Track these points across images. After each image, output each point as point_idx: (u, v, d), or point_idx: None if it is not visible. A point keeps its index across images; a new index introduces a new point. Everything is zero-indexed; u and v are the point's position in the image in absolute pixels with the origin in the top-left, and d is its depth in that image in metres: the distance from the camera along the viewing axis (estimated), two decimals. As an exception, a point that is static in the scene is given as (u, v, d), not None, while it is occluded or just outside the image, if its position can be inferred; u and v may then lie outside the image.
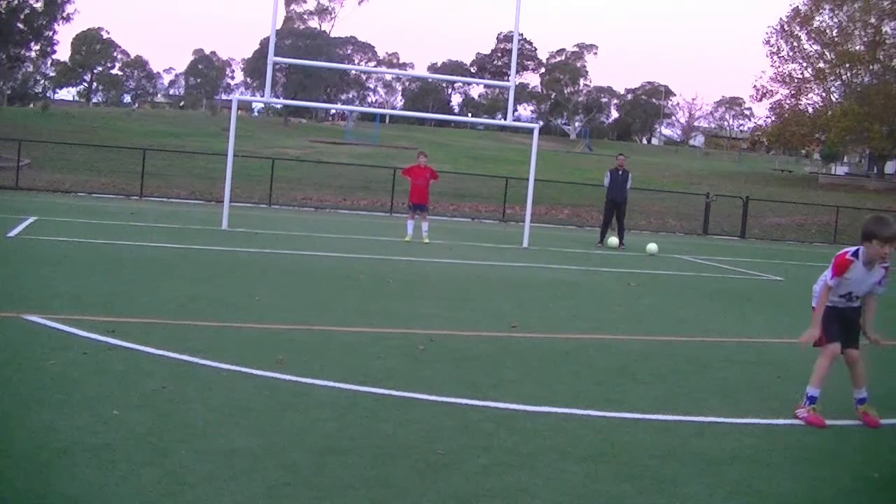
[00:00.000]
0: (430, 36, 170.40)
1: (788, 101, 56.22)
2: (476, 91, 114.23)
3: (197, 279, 10.04)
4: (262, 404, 5.24)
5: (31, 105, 79.94)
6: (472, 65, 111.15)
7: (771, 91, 56.48)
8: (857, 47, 53.28)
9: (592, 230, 23.16)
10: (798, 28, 55.18)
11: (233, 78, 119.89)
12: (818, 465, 4.91)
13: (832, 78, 54.96)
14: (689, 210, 30.73)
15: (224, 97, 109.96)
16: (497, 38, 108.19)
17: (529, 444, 4.85)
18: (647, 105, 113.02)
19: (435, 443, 4.74)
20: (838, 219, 28.66)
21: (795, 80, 55.88)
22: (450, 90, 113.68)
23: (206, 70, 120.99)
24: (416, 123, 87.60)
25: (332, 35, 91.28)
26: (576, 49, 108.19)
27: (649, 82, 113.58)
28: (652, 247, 18.05)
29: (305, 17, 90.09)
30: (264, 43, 67.49)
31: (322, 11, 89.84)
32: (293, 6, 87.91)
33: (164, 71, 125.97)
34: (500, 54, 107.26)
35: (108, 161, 31.42)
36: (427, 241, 16.39)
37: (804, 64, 55.89)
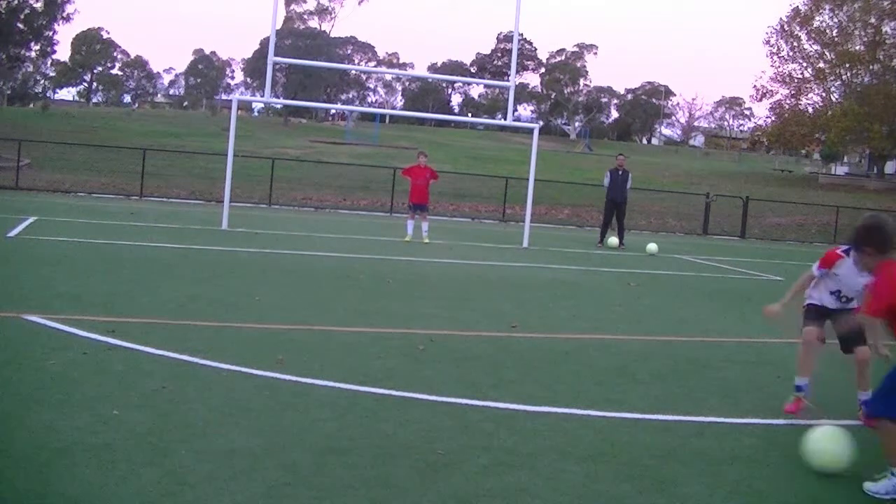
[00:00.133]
0: (430, 36, 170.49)
1: (788, 101, 56.20)
2: (476, 91, 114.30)
3: (197, 279, 10.04)
4: (262, 404, 5.24)
5: (31, 105, 79.92)
6: (472, 65, 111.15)
7: (771, 91, 56.48)
8: (857, 47, 53.26)
9: (592, 230, 23.16)
10: (798, 28, 55.16)
11: (233, 78, 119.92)
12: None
13: (832, 78, 54.94)
14: (689, 210, 30.73)
15: (224, 97, 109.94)
16: (497, 38, 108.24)
17: (529, 444, 4.85)
18: (647, 105, 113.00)
19: (435, 443, 4.74)
20: (838, 219, 28.65)
21: (795, 80, 55.86)
22: (450, 90, 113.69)
23: (206, 70, 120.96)
24: (416, 123, 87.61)
25: (332, 35, 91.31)
26: (576, 49, 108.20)
27: (649, 82, 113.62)
28: (652, 247, 18.05)
29: (305, 17, 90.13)
30: (264, 43, 67.50)
31: (322, 11, 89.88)
32: (293, 6, 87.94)
33: (164, 71, 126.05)
34: (500, 54, 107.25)
35: (108, 161, 31.41)
36: (427, 241, 16.39)
37: (804, 64, 55.88)
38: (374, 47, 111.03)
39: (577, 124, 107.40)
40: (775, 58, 56.16)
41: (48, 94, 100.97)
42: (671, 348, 8.01)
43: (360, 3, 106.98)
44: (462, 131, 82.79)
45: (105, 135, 44.67)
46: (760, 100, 57.54)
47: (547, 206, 28.40)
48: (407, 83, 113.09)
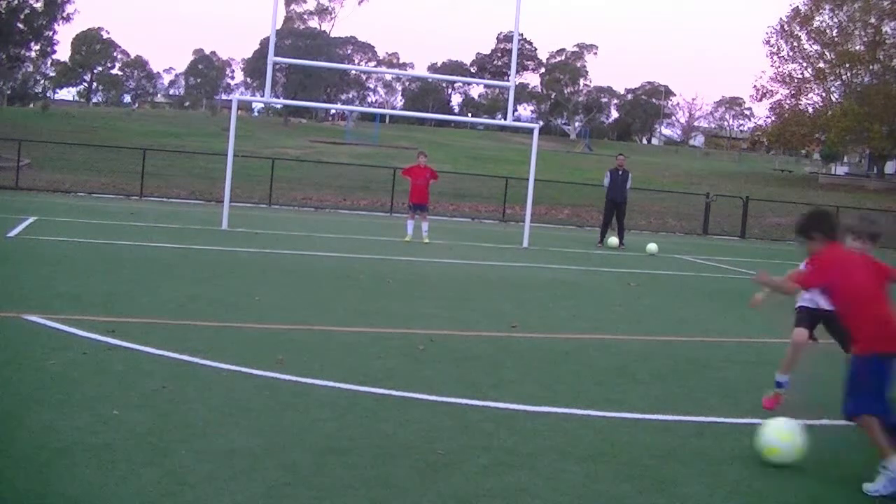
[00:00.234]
0: (430, 36, 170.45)
1: (788, 101, 56.22)
2: (476, 91, 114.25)
3: (197, 279, 10.04)
4: (262, 404, 5.24)
5: (31, 105, 79.90)
6: (472, 65, 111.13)
7: (771, 91, 56.52)
8: (857, 47, 53.28)
9: (592, 230, 23.16)
10: (798, 28, 55.19)
11: (233, 78, 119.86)
12: (818, 465, 4.90)
13: (832, 78, 54.96)
14: (689, 210, 30.72)
15: (224, 97, 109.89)
16: (497, 38, 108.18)
17: (529, 444, 4.85)
18: (647, 105, 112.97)
19: (435, 443, 4.74)
20: (838, 219, 28.62)
21: (795, 80, 55.88)
22: (450, 90, 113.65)
23: (206, 70, 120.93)
24: (416, 123, 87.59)
25: (332, 35, 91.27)
26: (576, 49, 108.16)
27: (649, 82, 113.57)
28: (652, 247, 18.05)
29: (305, 17, 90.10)
30: (264, 43, 67.49)
31: (322, 11, 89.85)
32: (293, 6, 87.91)
33: (164, 71, 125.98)
34: (500, 54, 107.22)
35: (108, 161, 31.41)
36: (427, 241, 16.39)
37: (804, 64, 55.90)
38: (374, 47, 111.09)
39: (577, 124, 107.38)
40: (775, 58, 56.22)
41: (48, 94, 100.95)
42: (671, 348, 8.01)
43: (360, 3, 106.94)
44: (462, 131, 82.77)
45: (105, 135, 44.67)
46: (760, 100, 57.61)
47: (547, 206, 28.40)
48: (407, 83, 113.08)
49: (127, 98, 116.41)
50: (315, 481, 4.06)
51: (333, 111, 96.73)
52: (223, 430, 4.69)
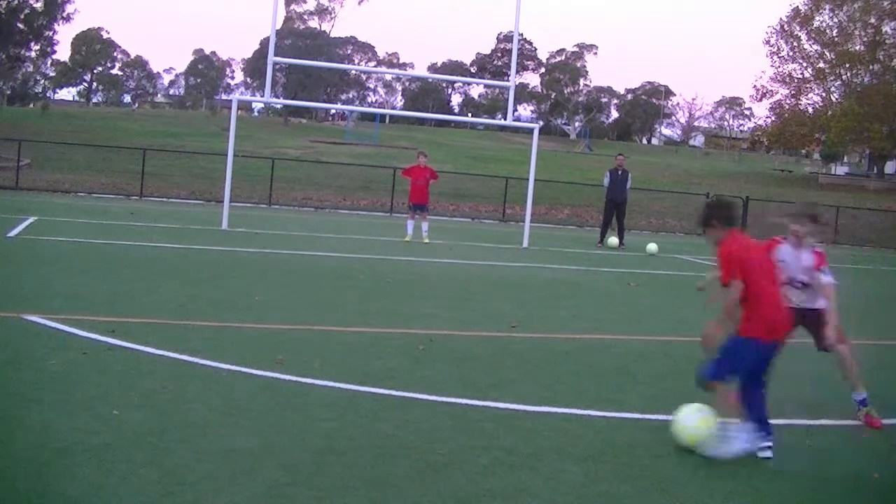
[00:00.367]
0: (430, 36, 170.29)
1: (788, 101, 56.24)
2: (476, 91, 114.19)
3: (197, 279, 10.04)
4: (262, 404, 5.24)
5: (31, 105, 79.87)
6: (472, 65, 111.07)
7: (771, 91, 56.55)
8: (857, 47, 53.29)
9: (592, 230, 23.16)
10: (798, 28, 55.20)
11: (233, 78, 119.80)
12: (818, 465, 4.91)
13: (832, 78, 54.98)
14: (689, 210, 30.66)
15: (224, 97, 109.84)
16: (497, 38, 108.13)
17: (529, 444, 4.85)
18: (647, 105, 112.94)
19: (435, 443, 4.75)
20: (838, 219, 28.65)
21: (795, 80, 55.89)
22: (450, 90, 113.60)
23: (206, 70, 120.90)
24: (416, 123, 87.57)
25: (332, 35, 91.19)
26: (576, 49, 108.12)
27: (649, 82, 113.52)
28: (652, 247, 18.05)
29: (305, 17, 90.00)
30: (264, 43, 67.48)
31: (322, 11, 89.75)
32: (293, 6, 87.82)
33: (164, 71, 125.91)
34: (500, 54, 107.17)
35: (108, 161, 31.40)
36: (427, 241, 16.39)
37: (804, 64, 55.92)
38: (374, 47, 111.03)
39: (577, 124, 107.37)
40: (775, 58, 56.25)
41: (48, 94, 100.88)
42: (671, 348, 8.01)
43: (360, 3, 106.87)
44: (462, 131, 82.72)
45: (105, 135, 44.65)
46: (760, 100, 57.65)
47: (547, 206, 28.39)
48: (407, 83, 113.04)
49: (127, 98, 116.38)
50: (315, 481, 4.06)
51: (333, 111, 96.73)
52: (223, 430, 4.69)
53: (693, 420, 4.97)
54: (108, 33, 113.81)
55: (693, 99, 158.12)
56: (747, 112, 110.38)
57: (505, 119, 31.18)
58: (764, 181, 51.55)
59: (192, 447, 4.39)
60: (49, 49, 57.88)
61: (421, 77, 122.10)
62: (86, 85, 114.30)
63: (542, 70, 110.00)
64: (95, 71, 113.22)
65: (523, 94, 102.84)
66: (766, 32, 62.35)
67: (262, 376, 5.87)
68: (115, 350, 6.30)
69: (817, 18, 54.30)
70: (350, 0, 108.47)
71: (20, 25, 50.61)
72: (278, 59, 19.37)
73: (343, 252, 14.13)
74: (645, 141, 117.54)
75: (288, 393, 5.54)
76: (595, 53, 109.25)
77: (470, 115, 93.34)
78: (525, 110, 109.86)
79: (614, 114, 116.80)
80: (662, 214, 30.50)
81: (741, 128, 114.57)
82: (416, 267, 12.90)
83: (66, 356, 6.02)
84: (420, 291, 10.52)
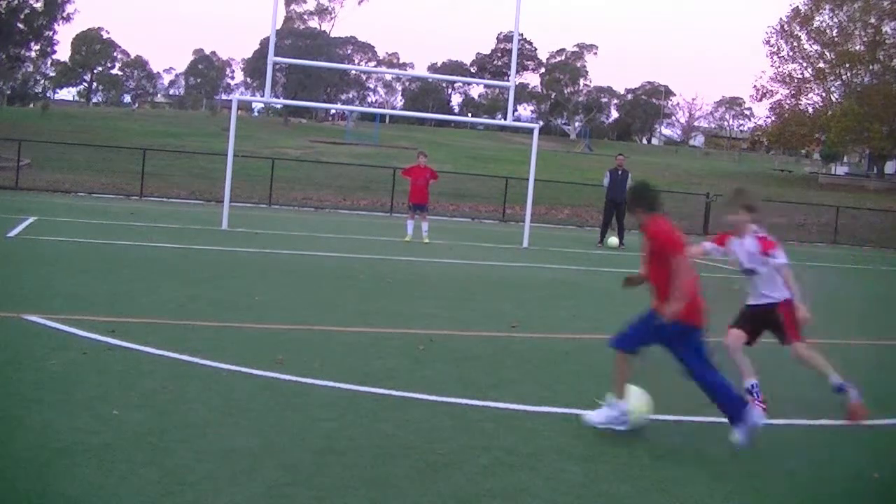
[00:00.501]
0: (430, 36, 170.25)
1: (788, 101, 56.23)
2: (476, 91, 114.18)
3: (197, 279, 10.04)
4: (262, 404, 5.24)
5: (31, 105, 79.87)
6: (472, 65, 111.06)
7: (771, 91, 56.54)
8: (857, 47, 53.28)
9: (592, 230, 23.16)
10: (798, 28, 55.19)
11: (233, 78, 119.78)
12: (818, 465, 4.91)
13: (832, 78, 54.97)
14: (689, 210, 30.70)
15: (224, 97, 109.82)
16: (497, 38, 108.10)
17: (529, 444, 4.85)
18: (647, 105, 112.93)
19: (435, 443, 4.75)
20: (838, 219, 28.65)
21: (795, 80, 55.88)
22: (450, 90, 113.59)
23: (206, 70, 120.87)
24: (416, 123, 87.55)
25: (332, 35, 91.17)
26: (576, 49, 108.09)
27: (649, 82, 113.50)
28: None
29: (305, 17, 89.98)
30: (264, 43, 67.44)
31: (322, 11, 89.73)
32: (293, 6, 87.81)
33: (164, 71, 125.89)
34: (500, 54, 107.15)
35: (108, 161, 31.41)
36: (427, 241, 16.39)
37: (804, 64, 55.91)
38: (374, 47, 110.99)
39: (577, 124, 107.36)
40: (775, 58, 56.23)
41: (48, 94, 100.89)
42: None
43: (360, 3, 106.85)
44: (462, 131, 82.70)
45: (105, 135, 44.64)
46: (760, 100, 57.64)
47: (547, 206, 28.39)
48: (407, 83, 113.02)
49: (127, 98, 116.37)
50: (315, 481, 4.06)
51: (333, 111, 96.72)
52: (223, 430, 4.69)
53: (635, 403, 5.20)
54: (108, 33, 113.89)
55: (693, 99, 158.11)
56: (747, 112, 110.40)
57: (505, 119, 31.18)
58: (764, 181, 51.52)
59: (192, 447, 4.39)
60: (49, 49, 57.93)
61: (421, 77, 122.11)
62: (86, 85, 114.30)
63: (542, 70, 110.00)
64: (95, 71, 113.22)
65: (523, 94, 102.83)
66: (766, 32, 62.36)
67: (262, 376, 5.87)
68: (115, 350, 6.30)
69: (817, 18, 54.31)
70: (350, 0, 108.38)
71: (20, 25, 50.63)
72: (278, 59, 19.37)
73: (343, 252, 14.13)
74: (645, 141, 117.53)
75: (288, 393, 5.54)
76: (595, 53, 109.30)
77: (470, 115, 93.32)
78: (525, 110, 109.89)
79: (614, 114, 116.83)
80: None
81: (741, 128, 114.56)
82: (416, 267, 12.90)
83: (66, 356, 6.02)
84: (420, 291, 10.52)
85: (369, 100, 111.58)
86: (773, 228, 6.14)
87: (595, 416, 5.08)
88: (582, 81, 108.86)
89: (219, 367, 6.02)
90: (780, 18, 61.06)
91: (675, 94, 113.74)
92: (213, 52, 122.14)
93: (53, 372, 5.59)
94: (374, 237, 17.14)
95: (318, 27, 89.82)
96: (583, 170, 46.09)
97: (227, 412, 5.03)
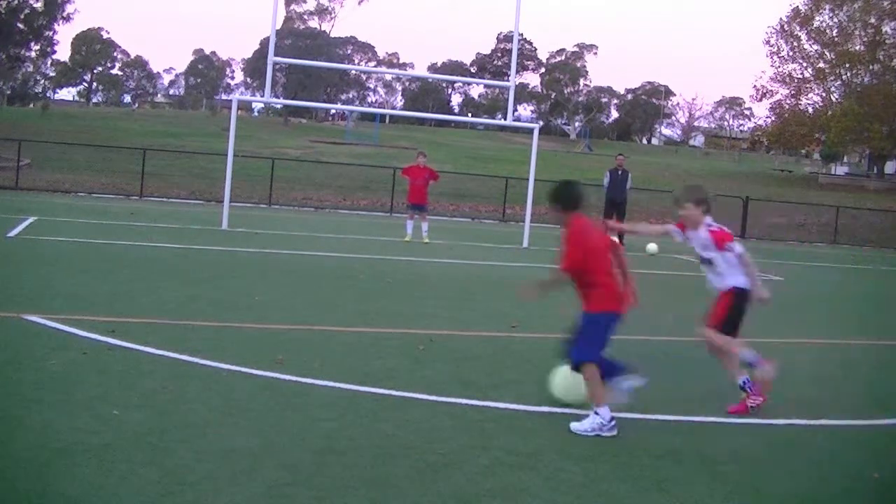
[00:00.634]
0: (430, 36, 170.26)
1: (788, 101, 56.20)
2: (476, 91, 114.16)
3: (197, 279, 10.04)
4: (262, 404, 5.24)
5: (31, 105, 79.87)
6: (472, 65, 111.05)
7: (771, 91, 56.49)
8: (857, 47, 53.26)
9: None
10: (798, 28, 55.15)
11: (233, 78, 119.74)
12: (818, 465, 4.91)
13: (832, 78, 54.94)
14: (689, 210, 30.68)
15: (224, 97, 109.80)
16: (497, 38, 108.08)
17: (529, 444, 4.85)
18: (647, 105, 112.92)
19: (435, 443, 4.74)
20: (838, 219, 28.65)
21: (795, 80, 55.85)
22: (450, 90, 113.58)
23: (206, 70, 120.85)
24: (416, 123, 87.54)
25: (332, 35, 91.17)
26: (576, 49, 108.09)
27: (649, 82, 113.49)
28: (652, 247, 18.03)
29: (305, 17, 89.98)
30: (264, 43, 67.43)
31: (322, 11, 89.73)
32: (293, 6, 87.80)
33: (164, 71, 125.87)
34: (500, 54, 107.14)
35: (108, 161, 31.41)
36: (427, 241, 16.39)
37: (804, 64, 55.88)
38: (374, 47, 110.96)
39: (577, 124, 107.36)
40: (775, 58, 56.18)
41: (48, 94, 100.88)
42: (671, 348, 8.01)
43: (360, 3, 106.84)
44: (462, 131, 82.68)
45: (105, 135, 44.64)
46: (760, 100, 57.59)
47: (547, 206, 28.35)
48: (407, 83, 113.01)
49: (127, 98, 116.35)
50: (315, 481, 4.06)
51: (333, 111, 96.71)
52: (223, 430, 4.69)
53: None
54: (108, 33, 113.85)
55: (693, 99, 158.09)
56: (747, 112, 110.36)
57: (505, 119, 31.19)
58: (764, 181, 51.52)
59: (192, 447, 4.39)
60: (49, 49, 57.94)
61: (421, 77, 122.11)
62: (86, 85, 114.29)
63: (542, 70, 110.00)
64: (95, 71, 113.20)
65: (523, 94, 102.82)
66: (766, 32, 62.33)
67: (262, 376, 5.87)
68: (115, 350, 6.30)
69: (817, 18, 54.27)
70: (350, 0, 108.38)
71: (20, 25, 50.64)
72: (278, 59, 19.37)
73: (343, 252, 14.13)
74: (645, 141, 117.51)
75: (288, 393, 5.54)
76: (595, 53, 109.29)
77: (470, 115, 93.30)
78: (525, 110, 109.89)
79: (614, 114, 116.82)
80: (662, 214, 30.48)
81: (741, 128, 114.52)
82: (416, 267, 12.90)
83: (66, 356, 6.02)
84: (420, 291, 10.52)
85: (369, 100, 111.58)
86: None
87: (580, 425, 5.11)
88: (582, 81, 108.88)
89: (219, 367, 6.02)
90: (780, 18, 61.05)
91: (675, 94, 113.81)
92: (213, 52, 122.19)
93: (53, 372, 5.59)
94: (374, 237, 17.14)
95: (318, 27, 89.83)
96: (583, 170, 46.05)
97: (227, 412, 5.02)
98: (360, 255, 13.86)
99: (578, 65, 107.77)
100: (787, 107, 55.78)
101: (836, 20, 54.12)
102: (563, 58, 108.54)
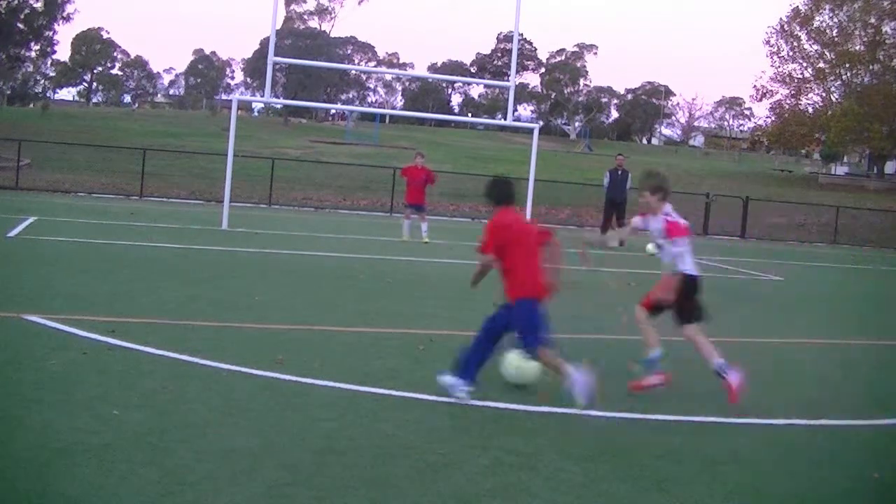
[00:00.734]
0: (430, 36, 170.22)
1: (788, 101, 56.18)
2: (476, 91, 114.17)
3: (197, 279, 10.04)
4: (262, 404, 5.24)
5: (31, 105, 79.86)
6: (472, 65, 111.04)
7: (771, 91, 56.46)
8: (857, 47, 53.25)
9: (592, 230, 23.14)
10: (798, 28, 55.14)
11: (233, 78, 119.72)
12: (818, 465, 4.91)
13: (832, 78, 54.93)
14: (690, 210, 30.67)
15: (224, 97, 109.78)
16: (497, 38, 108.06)
17: (529, 444, 4.85)
18: (647, 105, 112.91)
19: (435, 443, 4.75)
20: (838, 219, 28.65)
21: (795, 80, 55.83)
22: (450, 90, 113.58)
23: (206, 70, 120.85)
24: (416, 123, 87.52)
25: (332, 35, 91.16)
26: (576, 49, 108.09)
27: (649, 82, 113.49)
28: (652, 247, 18.01)
29: (305, 17, 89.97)
30: (264, 43, 67.41)
31: (322, 11, 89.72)
32: (293, 6, 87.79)
33: (164, 71, 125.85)
34: (500, 54, 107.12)
35: (108, 161, 31.40)
36: (427, 240, 16.38)
37: (804, 64, 55.86)
38: (374, 47, 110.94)
39: (577, 124, 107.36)
40: (775, 58, 56.16)
41: (48, 94, 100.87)
42: (671, 348, 7.99)
43: (360, 3, 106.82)
44: (462, 131, 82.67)
45: (105, 135, 44.63)
46: (760, 100, 57.56)
47: (547, 207, 28.37)
48: (407, 83, 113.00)
49: (127, 98, 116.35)
50: (315, 481, 4.06)
51: (333, 111, 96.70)
52: (223, 430, 4.69)
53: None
54: (108, 33, 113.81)
55: (693, 99, 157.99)
56: (747, 112, 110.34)
57: (505, 119, 31.19)
58: (764, 181, 51.52)
59: (192, 447, 4.39)
60: (49, 49, 57.93)
61: (421, 77, 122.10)
62: (86, 85, 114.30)
63: (542, 70, 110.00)
64: (95, 71, 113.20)
65: (523, 94, 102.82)
66: (766, 32, 62.27)
67: (262, 376, 5.87)
68: (115, 350, 6.30)
69: (817, 18, 54.25)
70: (350, 0, 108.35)
71: (20, 25, 50.63)
72: (278, 59, 19.38)
73: (343, 252, 14.13)
74: (645, 141, 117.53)
75: (288, 393, 5.54)
76: (595, 53, 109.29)
77: (470, 115, 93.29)
78: (525, 110, 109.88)
79: (614, 114, 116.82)
80: (662, 214, 30.47)
81: (741, 128, 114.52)
82: (416, 267, 12.90)
83: (66, 356, 6.02)
84: (420, 291, 10.52)
85: (369, 100, 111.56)
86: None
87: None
88: (582, 81, 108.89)
89: (219, 367, 6.02)
90: (780, 18, 61.00)
91: (675, 94, 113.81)
92: (213, 52, 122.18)
93: (53, 372, 5.59)
94: (373, 237, 17.14)
95: (318, 27, 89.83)
96: (583, 170, 46.08)
97: (227, 412, 5.03)
98: (360, 255, 13.86)
99: (578, 65, 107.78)
100: (787, 107, 55.76)
101: (836, 20, 54.11)
102: (563, 58, 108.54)
